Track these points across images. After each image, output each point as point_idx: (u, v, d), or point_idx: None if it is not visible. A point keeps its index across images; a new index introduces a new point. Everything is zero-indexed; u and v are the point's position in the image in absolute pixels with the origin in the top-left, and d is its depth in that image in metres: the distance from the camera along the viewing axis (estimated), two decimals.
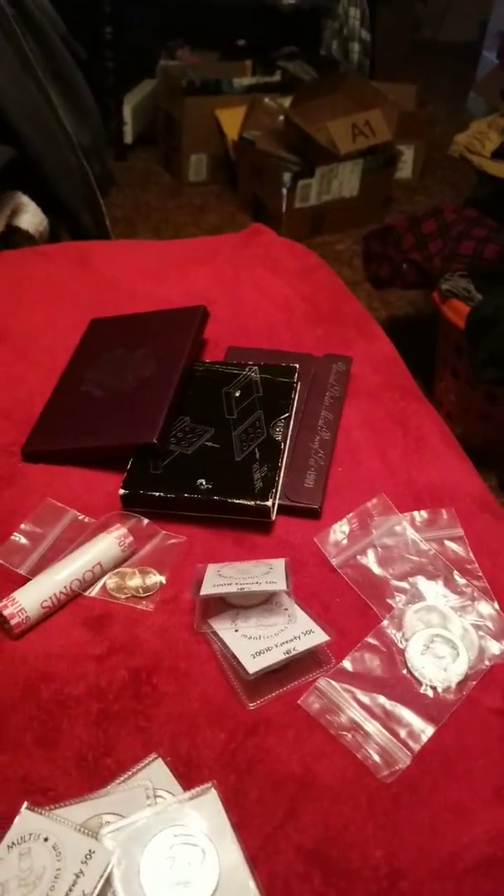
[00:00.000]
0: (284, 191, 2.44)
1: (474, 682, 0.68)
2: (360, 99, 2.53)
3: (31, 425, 0.91)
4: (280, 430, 0.88)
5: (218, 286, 1.21)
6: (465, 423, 1.72)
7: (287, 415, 0.90)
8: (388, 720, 0.65)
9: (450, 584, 0.77)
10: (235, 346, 1.06)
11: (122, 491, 0.82)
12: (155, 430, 0.84)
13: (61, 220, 1.61)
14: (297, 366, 0.97)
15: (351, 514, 0.83)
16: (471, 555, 0.80)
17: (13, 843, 0.55)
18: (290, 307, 1.18)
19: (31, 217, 1.31)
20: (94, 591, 0.75)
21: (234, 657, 0.67)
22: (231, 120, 2.68)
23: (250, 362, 0.97)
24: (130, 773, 0.60)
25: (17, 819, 0.56)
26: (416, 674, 0.69)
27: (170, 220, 2.64)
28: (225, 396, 0.93)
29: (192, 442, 0.87)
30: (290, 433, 0.89)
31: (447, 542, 0.82)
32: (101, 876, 0.53)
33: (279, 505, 0.83)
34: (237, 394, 0.93)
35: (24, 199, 1.30)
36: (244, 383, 0.94)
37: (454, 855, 0.57)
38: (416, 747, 0.63)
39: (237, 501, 0.80)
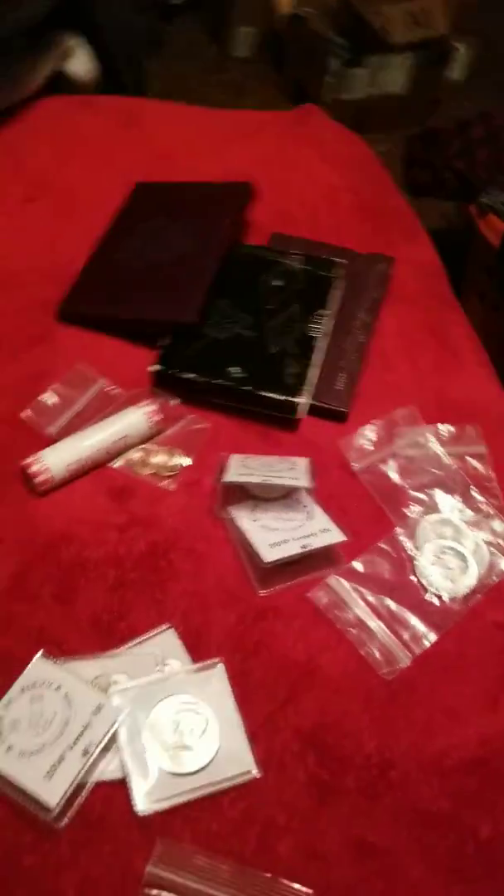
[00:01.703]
0: (329, 78, 2.29)
1: (480, 596, 0.69)
2: None
3: (68, 285, 0.88)
4: (316, 327, 0.86)
5: (264, 165, 1.14)
6: (485, 349, 1.68)
7: (325, 311, 0.88)
8: (392, 622, 0.67)
9: (467, 499, 0.77)
10: (279, 232, 1.02)
11: (155, 368, 0.80)
12: (195, 308, 0.81)
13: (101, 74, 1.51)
14: (341, 261, 0.93)
15: (377, 422, 0.82)
16: (491, 473, 0.80)
17: (26, 687, 0.57)
18: (337, 197, 1.12)
19: (81, 62, 1.22)
20: (118, 463, 0.74)
21: (251, 545, 0.67)
22: None
23: (293, 251, 0.93)
24: (142, 639, 0.62)
25: (31, 664, 0.58)
26: (424, 581, 0.70)
27: (207, 96, 2.47)
28: (264, 284, 0.89)
29: (227, 327, 0.84)
30: (325, 330, 0.87)
31: (469, 459, 0.81)
32: (108, 730, 0.55)
33: (309, 404, 0.82)
34: (277, 283, 0.90)
35: (77, 42, 1.20)
36: (285, 272, 0.91)
37: (444, 752, 0.59)
38: (418, 650, 0.65)
39: (268, 395, 0.79)
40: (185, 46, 2.71)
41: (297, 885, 0.51)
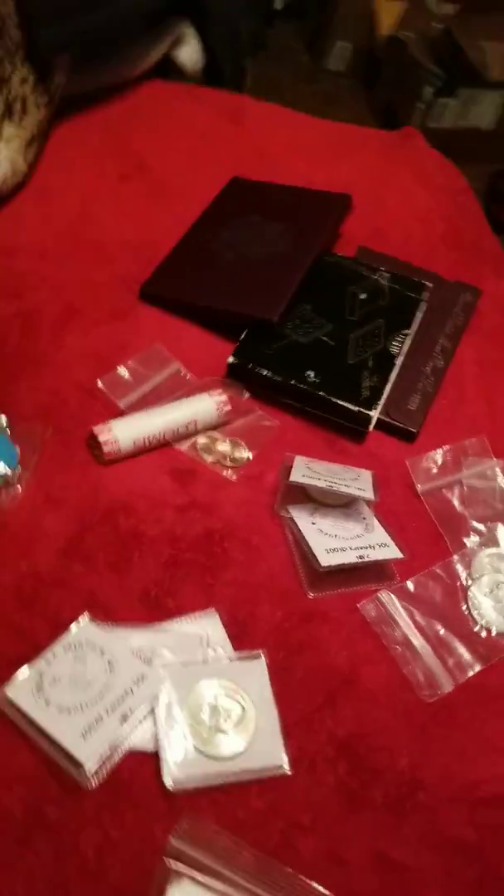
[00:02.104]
0: (421, 105, 2.35)
1: None
2: None
3: (154, 266, 0.92)
4: (398, 345, 0.89)
5: (361, 180, 1.18)
6: None
7: (408, 331, 0.91)
8: (438, 646, 0.69)
9: None
10: (367, 246, 1.05)
11: (231, 359, 0.84)
12: (278, 308, 0.85)
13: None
14: (429, 284, 0.96)
15: (446, 447, 0.85)
16: None
17: (69, 647, 0.60)
18: (430, 223, 1.16)
19: (190, 51, 1.28)
20: (184, 446, 0.78)
21: (308, 547, 0.70)
22: (389, 12, 2.54)
23: (381, 268, 0.97)
24: (189, 619, 0.64)
25: (78, 625, 0.61)
26: (475, 613, 0.72)
27: (298, 104, 2.53)
28: (350, 295, 0.93)
29: (308, 332, 0.87)
30: (405, 350, 0.90)
31: None
32: (148, 700, 0.57)
33: (378, 419, 0.84)
34: (363, 296, 0.93)
35: (189, 31, 1.26)
36: (372, 287, 0.94)
37: (476, 784, 0.61)
38: (461, 678, 0.67)
39: (341, 403, 0.82)
40: (281, 52, 2.79)
41: (317, 886, 0.53)
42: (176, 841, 0.53)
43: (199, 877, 0.52)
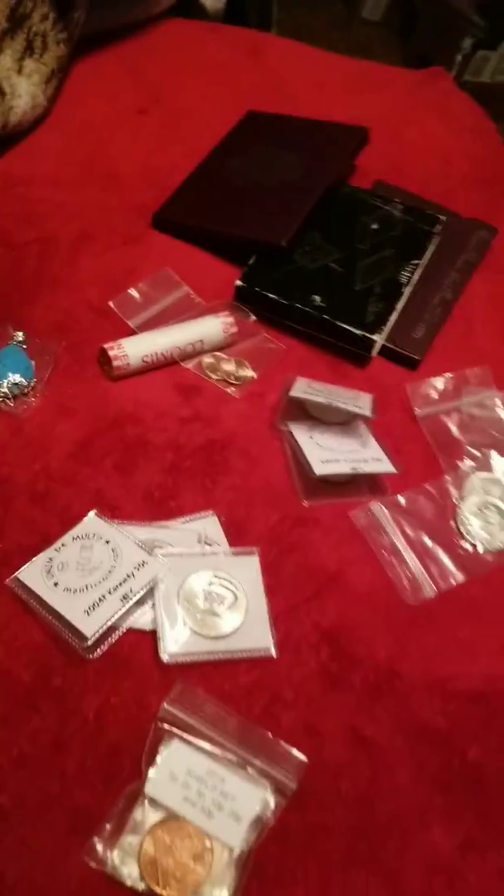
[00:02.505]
0: (459, 57, 2.35)
1: None
2: None
3: (168, 194, 0.99)
4: (406, 275, 0.95)
5: (382, 117, 1.23)
6: None
7: (417, 261, 0.96)
8: (424, 555, 0.76)
9: None
10: (384, 181, 1.11)
11: (238, 283, 0.90)
12: (287, 233, 0.91)
13: (228, 7, 1.61)
14: (442, 217, 1.02)
15: (448, 375, 0.91)
16: None
17: (78, 537, 0.68)
18: (451, 162, 1.20)
19: None
20: (190, 364, 0.85)
21: (305, 457, 0.77)
22: None
23: (395, 199, 1.02)
24: (189, 518, 0.72)
25: (86, 519, 0.69)
26: (463, 528, 0.79)
27: (329, 51, 2.55)
28: (361, 225, 0.98)
29: (316, 258, 0.94)
30: (414, 280, 0.96)
31: None
32: (148, 583, 0.65)
33: (382, 346, 0.91)
34: (374, 226, 0.98)
35: None
36: (384, 218, 0.99)
37: (449, 679, 0.68)
38: (444, 586, 0.74)
39: (345, 326, 0.88)
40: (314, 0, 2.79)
41: (294, 750, 0.61)
42: (168, 705, 0.60)
43: (189, 738, 0.60)
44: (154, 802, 0.56)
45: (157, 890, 0.53)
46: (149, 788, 0.56)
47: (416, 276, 0.96)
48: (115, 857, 0.54)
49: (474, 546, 0.78)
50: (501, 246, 1.09)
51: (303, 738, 0.62)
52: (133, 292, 0.88)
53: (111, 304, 0.87)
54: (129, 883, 0.53)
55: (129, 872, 0.53)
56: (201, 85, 1.19)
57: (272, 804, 0.58)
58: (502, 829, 0.62)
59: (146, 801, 0.56)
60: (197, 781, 0.57)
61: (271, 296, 0.89)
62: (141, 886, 0.53)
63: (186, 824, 0.56)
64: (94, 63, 1.18)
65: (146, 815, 0.55)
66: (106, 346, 0.81)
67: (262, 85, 1.22)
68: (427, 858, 0.60)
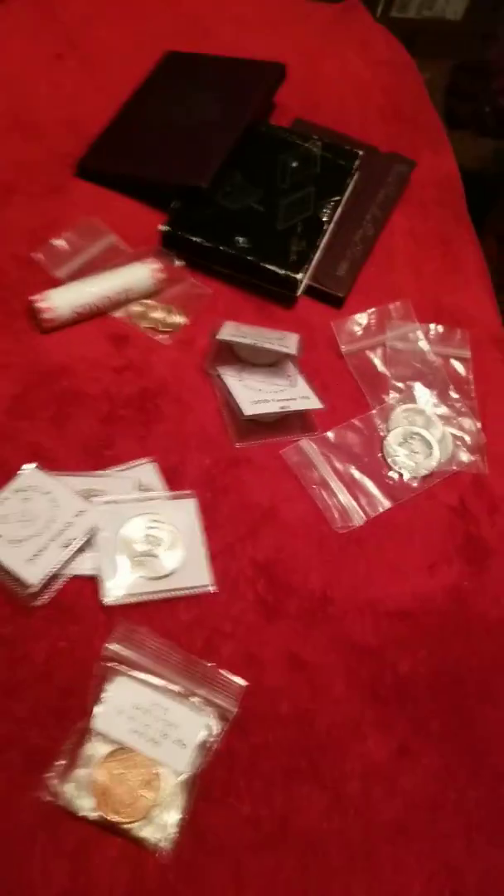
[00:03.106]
0: None
1: (438, 480, 0.80)
2: None
3: (90, 142, 0.95)
4: (327, 212, 0.94)
5: (300, 52, 1.20)
6: (495, 293, 1.75)
7: (338, 198, 0.95)
8: (353, 486, 0.77)
9: (443, 395, 0.87)
10: (303, 118, 1.08)
11: (162, 227, 0.88)
12: (207, 174, 0.89)
13: None
14: (361, 153, 1.00)
15: (371, 310, 0.91)
16: (471, 377, 0.89)
17: (18, 490, 0.67)
18: (368, 96, 1.18)
19: None
20: (119, 313, 0.83)
21: (234, 399, 0.77)
22: None
23: (314, 137, 1.00)
24: (125, 466, 0.72)
25: (25, 471, 0.68)
26: (389, 459, 0.80)
27: None
28: (281, 163, 0.97)
29: (238, 199, 0.92)
30: (335, 217, 0.95)
31: (452, 360, 0.90)
32: (88, 530, 0.66)
33: (306, 285, 0.90)
34: (294, 164, 0.97)
35: None
36: (304, 155, 0.98)
37: (379, 600, 0.70)
38: (372, 513, 0.75)
39: (269, 267, 0.87)
40: None
41: (234, 677, 0.62)
42: (112, 644, 0.61)
43: (133, 673, 0.61)
44: (102, 736, 0.58)
45: (111, 817, 0.54)
46: (96, 723, 0.58)
47: (337, 214, 0.95)
48: (69, 789, 0.55)
49: (400, 475, 0.79)
50: (420, 179, 1.09)
51: (243, 666, 0.64)
52: (58, 242, 0.86)
53: (37, 255, 0.84)
54: (83, 813, 0.55)
55: (84, 804, 0.55)
56: (117, 26, 1.14)
57: (216, 729, 0.60)
58: (432, 734, 0.65)
59: (95, 736, 0.57)
60: (143, 713, 0.59)
61: (196, 239, 0.88)
62: (94, 815, 0.55)
63: (135, 754, 0.57)
64: (5, 9, 1.12)
65: (96, 749, 0.57)
66: (33, 298, 0.79)
67: (179, 23, 1.18)
68: (364, 767, 0.63)
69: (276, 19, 1.26)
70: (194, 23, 1.18)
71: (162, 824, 0.56)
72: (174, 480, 0.73)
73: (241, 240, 0.87)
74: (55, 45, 1.08)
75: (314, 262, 0.90)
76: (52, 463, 0.71)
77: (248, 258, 0.87)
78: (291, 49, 1.19)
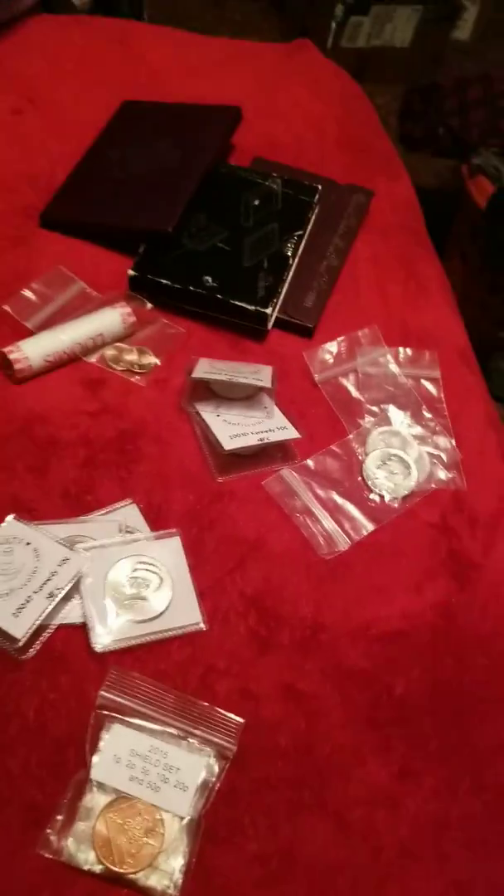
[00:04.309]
0: (333, 24, 2.31)
1: (418, 499, 0.79)
2: None
3: (52, 194, 0.95)
4: (291, 246, 0.94)
5: (253, 93, 1.20)
6: (461, 309, 1.76)
7: (301, 232, 0.95)
8: (336, 512, 0.76)
9: (417, 416, 0.86)
10: (262, 157, 1.09)
11: (130, 272, 0.88)
12: (172, 219, 0.89)
13: None
14: (320, 187, 1.01)
15: (341, 338, 0.91)
16: (442, 396, 0.89)
17: None
18: (322, 129, 1.19)
19: None
20: (93, 358, 0.82)
21: (213, 435, 0.76)
22: None
23: (274, 174, 1.01)
24: (107, 510, 0.71)
25: (4, 523, 0.67)
26: (369, 482, 0.79)
27: (206, 32, 2.48)
28: (244, 202, 0.97)
29: (204, 240, 0.92)
30: (300, 251, 0.95)
31: (423, 381, 0.90)
32: (72, 578, 0.64)
33: (276, 318, 0.90)
34: (256, 202, 0.97)
35: None
36: (265, 193, 0.98)
37: (370, 623, 0.69)
38: (356, 537, 0.74)
39: (238, 303, 0.87)
40: None
41: (231, 714, 0.61)
42: (105, 692, 0.60)
43: (129, 719, 0.59)
44: (101, 786, 0.56)
45: (115, 869, 0.52)
46: (94, 774, 0.56)
47: (301, 247, 0.95)
48: (69, 844, 0.53)
49: (381, 496, 0.78)
50: (379, 206, 1.09)
51: (239, 702, 0.63)
52: (27, 293, 0.85)
53: (6, 307, 0.84)
54: (86, 867, 0.53)
55: (86, 858, 0.53)
56: (74, 80, 1.14)
57: (216, 769, 0.58)
58: (432, 753, 0.64)
59: (94, 787, 0.55)
60: (141, 760, 0.57)
61: (164, 281, 0.87)
62: (98, 868, 0.53)
63: (135, 802, 0.55)
64: None
65: (95, 800, 0.55)
66: (5, 349, 0.78)
67: (135, 74, 1.18)
68: (367, 792, 0.61)
69: (228, 63, 1.27)
70: (150, 73, 1.19)
71: (168, 871, 0.54)
72: (158, 520, 0.71)
73: (208, 279, 0.87)
74: (12, 100, 1.08)
75: (282, 296, 0.90)
76: (32, 513, 0.70)
77: (218, 296, 0.86)
78: (245, 90, 1.20)
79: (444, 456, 0.83)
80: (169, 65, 1.22)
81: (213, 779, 0.57)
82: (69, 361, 0.81)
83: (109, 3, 1.59)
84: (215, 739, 0.59)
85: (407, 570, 0.73)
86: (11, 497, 0.70)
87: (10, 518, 0.68)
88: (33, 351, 0.78)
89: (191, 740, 0.59)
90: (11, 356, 0.77)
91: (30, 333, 0.81)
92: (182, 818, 0.55)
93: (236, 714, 0.61)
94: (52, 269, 0.88)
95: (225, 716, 0.60)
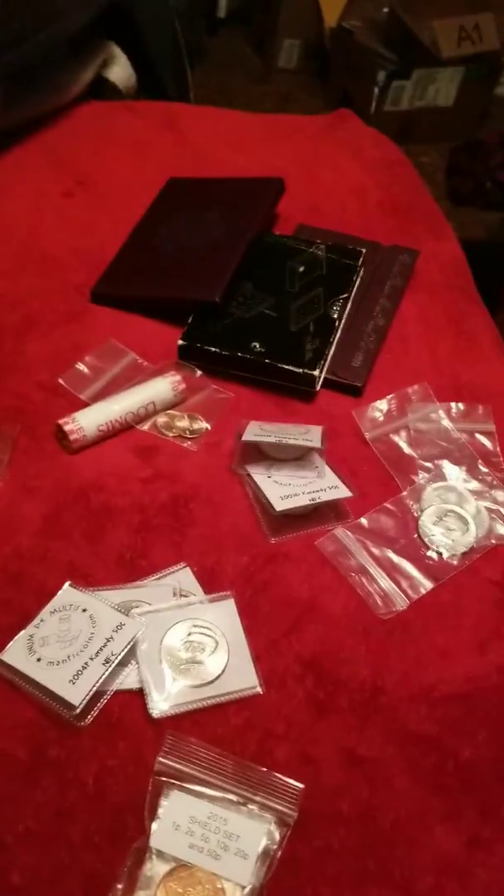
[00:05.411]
0: (376, 90, 2.41)
1: (478, 555, 0.79)
2: None
3: (102, 270, 1.01)
4: (337, 309, 0.97)
5: (296, 164, 1.27)
6: None
7: (346, 295, 0.99)
8: (392, 570, 0.77)
9: (472, 470, 0.87)
10: (305, 224, 1.14)
11: (180, 342, 0.92)
12: (218, 289, 0.93)
13: (145, 82, 1.66)
14: (363, 250, 1.04)
15: (391, 396, 0.93)
16: (498, 450, 0.90)
17: (55, 610, 0.68)
18: (366, 195, 1.24)
19: (120, 70, 1.37)
20: (145, 426, 0.86)
21: (265, 496, 0.78)
22: (332, 5, 2.62)
23: (318, 241, 1.05)
24: (162, 574, 0.73)
25: (60, 591, 0.70)
26: (426, 539, 0.80)
27: (252, 106, 2.61)
28: (289, 270, 1.01)
29: (251, 307, 0.96)
30: (346, 313, 0.98)
31: (478, 435, 0.91)
32: (128, 643, 0.66)
33: (325, 379, 0.93)
34: (301, 269, 1.01)
35: (116, 51, 1.36)
36: (309, 260, 1.02)
37: (433, 686, 0.69)
38: (415, 596, 0.75)
39: (286, 367, 0.90)
40: (231, 58, 2.88)
41: (290, 780, 0.61)
42: (163, 758, 0.61)
43: (187, 786, 0.60)
44: (161, 854, 0.56)
45: None
46: (154, 842, 0.57)
47: (346, 310, 0.98)
48: None
49: (439, 554, 0.79)
50: (425, 266, 1.13)
51: (299, 767, 0.63)
52: (81, 367, 0.90)
53: (61, 380, 0.89)
54: None
55: None
56: (122, 162, 1.22)
57: (277, 836, 0.58)
58: (503, 820, 0.62)
59: (153, 855, 0.56)
60: (200, 827, 0.57)
61: (213, 349, 0.91)
62: None
63: (196, 870, 0.56)
64: (15, 154, 1.21)
65: (155, 869, 0.56)
66: (61, 421, 0.82)
67: (180, 153, 1.26)
68: (435, 862, 0.60)
69: (271, 137, 1.34)
70: (195, 151, 1.27)
71: None
72: (212, 582, 0.73)
73: (256, 345, 0.91)
74: (63, 183, 1.16)
75: (329, 357, 0.93)
76: (87, 579, 0.72)
77: (266, 361, 0.90)
78: (288, 162, 1.26)
79: (503, 510, 0.83)
80: (213, 142, 1.30)
81: (275, 846, 0.57)
82: (122, 430, 0.85)
83: (156, 86, 1.70)
84: (275, 806, 0.59)
85: (469, 630, 0.73)
86: (68, 564, 0.73)
87: (66, 585, 0.70)
88: (87, 421, 0.82)
89: (250, 806, 0.59)
90: (66, 427, 0.81)
91: (84, 405, 0.86)
92: (244, 887, 0.55)
93: (296, 780, 0.61)
94: (105, 342, 0.93)
95: (285, 781, 0.61)
